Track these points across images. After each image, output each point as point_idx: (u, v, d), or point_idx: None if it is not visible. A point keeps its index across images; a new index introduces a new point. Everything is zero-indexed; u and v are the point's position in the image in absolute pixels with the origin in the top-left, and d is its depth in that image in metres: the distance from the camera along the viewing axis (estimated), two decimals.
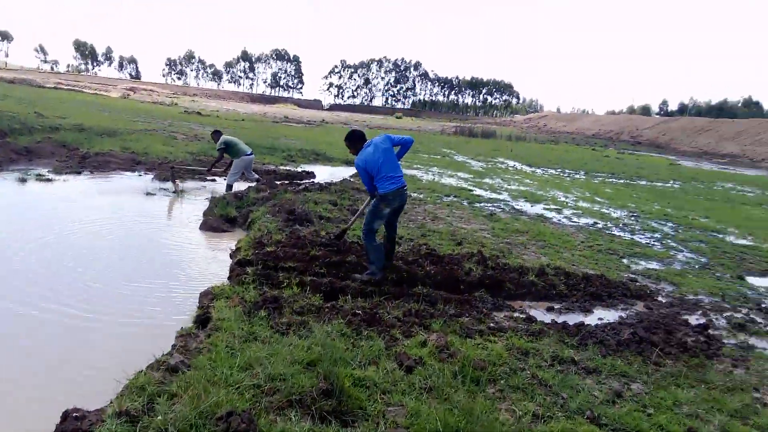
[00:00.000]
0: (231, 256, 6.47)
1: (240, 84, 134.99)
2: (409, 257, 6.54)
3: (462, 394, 3.56)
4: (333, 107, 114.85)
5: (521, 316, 5.28)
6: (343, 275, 5.79)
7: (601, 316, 5.61)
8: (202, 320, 4.49)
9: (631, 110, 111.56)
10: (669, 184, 20.75)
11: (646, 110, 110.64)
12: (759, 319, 5.93)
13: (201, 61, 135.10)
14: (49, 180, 9.94)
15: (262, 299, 4.71)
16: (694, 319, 5.70)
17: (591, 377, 4.07)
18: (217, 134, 10.81)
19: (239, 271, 5.60)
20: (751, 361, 4.72)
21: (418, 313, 4.90)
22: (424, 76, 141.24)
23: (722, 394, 3.98)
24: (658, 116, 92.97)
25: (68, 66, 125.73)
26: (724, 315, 5.97)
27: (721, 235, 10.91)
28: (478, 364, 3.90)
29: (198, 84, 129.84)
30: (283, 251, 6.09)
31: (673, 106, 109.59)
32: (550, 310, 5.69)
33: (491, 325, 4.87)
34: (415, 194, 11.97)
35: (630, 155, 38.86)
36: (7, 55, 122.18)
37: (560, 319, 5.34)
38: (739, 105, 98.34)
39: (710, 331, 5.30)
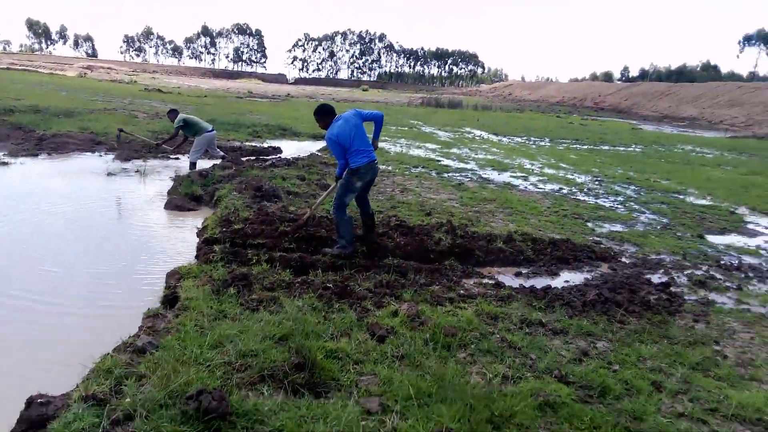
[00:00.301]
0: (198, 235, 6.38)
1: (201, 60, 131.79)
2: (379, 229, 6.54)
3: (433, 360, 3.62)
4: (298, 81, 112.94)
5: (490, 282, 5.36)
6: (313, 250, 5.77)
7: (568, 278, 5.74)
8: (170, 301, 4.43)
9: (594, 77, 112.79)
10: (631, 149, 21.16)
11: (608, 77, 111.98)
12: (718, 276, 6.15)
13: (160, 38, 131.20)
14: (4, 163, 9.57)
15: (231, 277, 4.66)
16: (656, 278, 5.87)
17: (558, 338, 4.17)
18: (173, 113, 10.55)
19: (206, 249, 5.52)
20: (711, 316, 4.91)
21: (389, 284, 4.92)
22: (389, 47, 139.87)
23: (684, 348, 4.13)
24: (620, 82, 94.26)
25: (21, 46, 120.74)
26: (685, 273, 6.17)
27: (681, 196, 11.21)
28: (449, 331, 3.96)
29: (158, 61, 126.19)
30: (251, 228, 6.03)
31: (634, 72, 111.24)
32: (518, 275, 5.79)
33: (461, 292, 4.94)
34: (384, 166, 11.93)
35: (593, 121, 39.39)
36: None
37: (528, 284, 5.44)
38: (698, 69, 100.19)
39: (672, 289, 5.48)
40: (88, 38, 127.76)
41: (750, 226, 8.98)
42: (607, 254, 6.56)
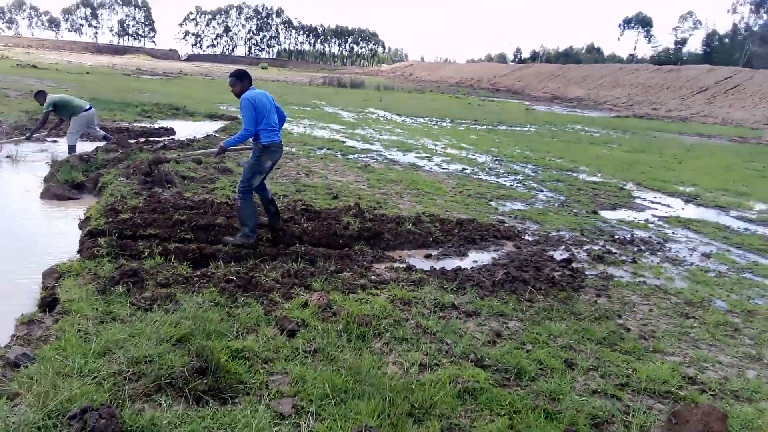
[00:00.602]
0: (80, 227, 5.74)
1: (82, 33, 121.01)
2: (284, 215, 6.23)
3: (348, 352, 3.45)
4: (191, 57, 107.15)
5: (401, 266, 5.27)
6: (213, 239, 5.38)
7: (476, 259, 5.78)
8: (48, 304, 3.91)
9: (489, 59, 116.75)
10: (527, 128, 22.08)
11: (502, 58, 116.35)
12: (614, 250, 6.48)
13: (33, 8, 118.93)
14: None
15: (119, 273, 4.20)
16: (558, 255, 6.08)
17: (472, 320, 4.15)
18: (41, 95, 9.44)
19: (90, 243, 4.96)
20: (612, 290, 5.13)
21: (297, 273, 4.67)
22: (288, 24, 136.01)
23: (590, 323, 4.26)
24: (513, 63, 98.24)
25: None
26: (584, 248, 6.44)
27: (575, 174, 11.80)
28: (363, 320, 3.80)
29: (32, 34, 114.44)
30: (141, 218, 5.50)
31: (526, 54, 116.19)
32: (428, 257, 5.75)
33: (373, 278, 4.80)
34: (287, 148, 11.50)
35: (490, 102, 40.78)
36: None
37: (438, 266, 5.41)
38: (583, 51, 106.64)
39: (574, 265, 5.68)
40: None
41: (638, 201, 9.60)
42: (511, 233, 6.70)
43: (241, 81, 5.27)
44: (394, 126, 18.93)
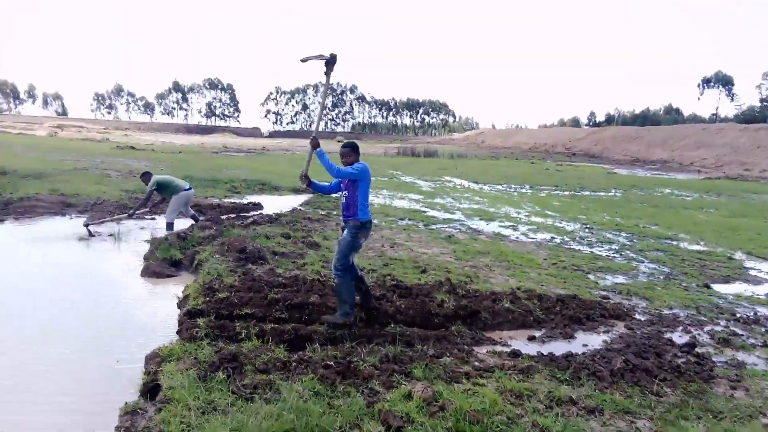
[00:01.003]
0: (179, 306, 5.81)
1: (174, 115, 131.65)
2: (375, 291, 6.06)
3: None
4: (273, 134, 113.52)
5: (505, 350, 4.91)
6: (307, 319, 5.26)
7: (585, 341, 5.32)
8: (150, 390, 3.86)
9: (562, 123, 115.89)
10: (612, 193, 21.23)
11: (576, 122, 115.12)
12: (739, 331, 5.80)
13: (131, 94, 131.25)
14: None
15: (219, 358, 4.12)
16: (677, 337, 5.49)
17: (594, 418, 3.70)
18: (147, 176, 10.02)
19: (189, 323, 4.97)
20: (747, 381, 4.51)
21: (396, 358, 4.42)
22: (361, 99, 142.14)
23: (732, 423, 3.70)
24: (587, 127, 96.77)
25: None
26: (705, 329, 5.80)
27: (674, 242, 11.02)
28: (473, 417, 3.47)
29: (129, 117, 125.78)
30: (237, 297, 5.49)
31: (600, 117, 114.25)
32: (531, 339, 5.35)
33: (476, 364, 4.46)
34: None
35: (568, 166, 39.96)
36: None
37: (544, 350, 5.00)
38: (661, 112, 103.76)
39: (698, 350, 5.08)
40: (57, 97, 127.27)
41: (752, 273, 8.74)
42: (619, 311, 6.17)
43: (355, 153, 5.32)
44: (472, 194, 18.75)
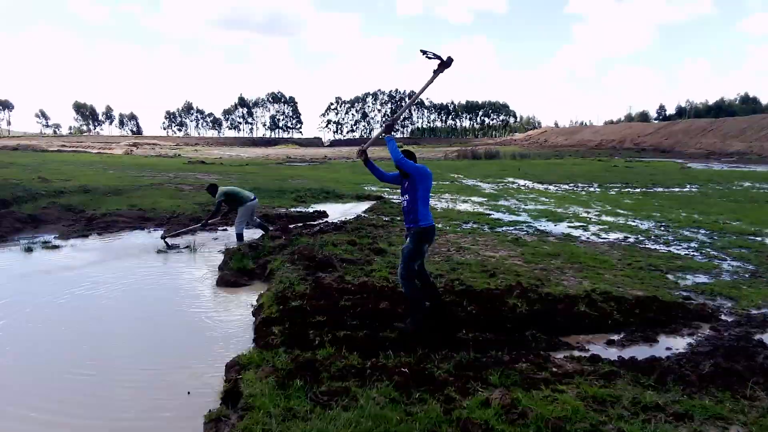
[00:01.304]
0: (254, 314, 5.99)
1: (240, 129, 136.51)
2: (445, 297, 6.02)
3: None
4: (334, 143, 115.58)
5: (584, 355, 4.75)
6: (379, 325, 5.29)
7: (669, 345, 5.07)
8: (231, 397, 3.98)
9: (630, 118, 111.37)
10: (687, 189, 20.22)
11: (644, 116, 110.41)
12: None
13: (200, 111, 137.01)
14: (55, 247, 9.54)
15: (296, 365, 4.20)
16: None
17: (684, 425, 3.51)
18: (213, 188, 10.40)
19: (265, 331, 5.11)
20: None
21: (470, 365, 4.37)
22: (420, 104, 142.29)
23: None
24: (657, 122, 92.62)
25: (70, 128, 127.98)
26: None
27: (759, 239, 10.34)
28: (555, 425, 3.37)
29: (198, 133, 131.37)
30: (309, 305, 5.61)
31: (670, 110, 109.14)
32: (610, 343, 5.15)
33: (554, 370, 4.34)
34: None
35: (638, 162, 38.39)
36: (9, 123, 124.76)
37: (625, 354, 4.80)
38: (737, 102, 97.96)
39: None
40: (132, 117, 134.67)
41: None
42: (704, 312, 5.84)
43: (411, 157, 5.39)
44: (538, 195, 18.34)
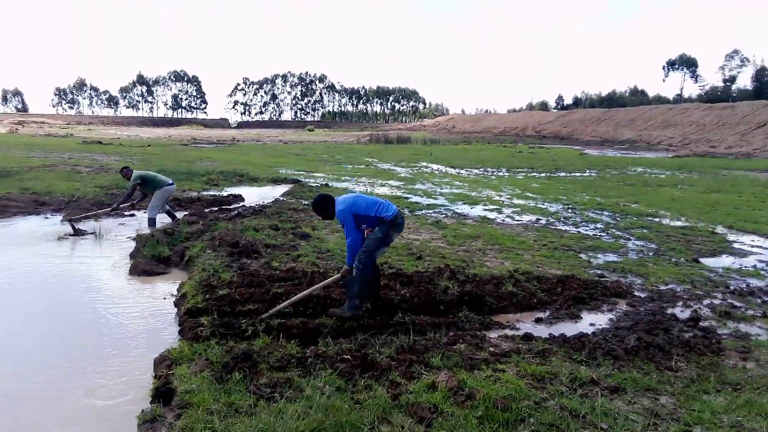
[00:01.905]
0: (176, 305, 5.62)
1: (139, 109, 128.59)
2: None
3: None
4: (241, 125, 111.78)
5: (517, 333, 4.89)
6: (313, 311, 5.15)
7: (592, 321, 5.33)
8: (163, 394, 3.69)
9: (531, 107, 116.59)
10: (587, 174, 21.51)
11: (544, 106, 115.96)
12: (737, 303, 5.90)
13: (94, 88, 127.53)
14: None
15: (232, 358, 3.98)
16: (679, 312, 5.56)
17: (618, 398, 3.70)
18: (127, 170, 9.68)
19: (192, 323, 4.80)
20: (755, 352, 4.58)
21: (411, 348, 4.35)
22: (331, 88, 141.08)
23: (752, 395, 3.74)
24: (556, 110, 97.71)
25: None
26: (704, 303, 5.89)
27: (657, 219, 11.19)
28: (503, 404, 3.42)
29: (93, 112, 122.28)
30: (238, 293, 5.34)
31: (568, 100, 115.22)
32: (538, 321, 5.34)
33: (491, 349, 4.42)
34: None
35: (540, 149, 40.35)
36: None
37: (554, 331, 5.00)
38: (627, 94, 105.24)
39: (702, 323, 5.15)
40: (17, 93, 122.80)
41: (736, 246, 8.92)
42: (619, 289, 6.21)
43: (325, 209, 5.14)
44: (451, 179, 18.76)
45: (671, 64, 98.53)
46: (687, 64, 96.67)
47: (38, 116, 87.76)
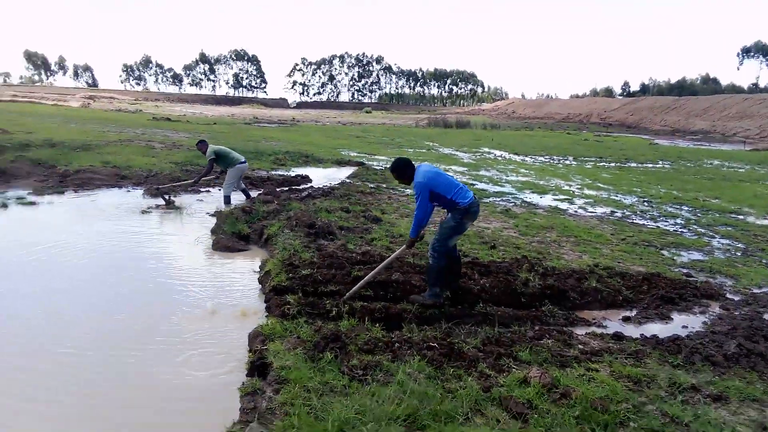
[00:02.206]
0: (260, 281, 5.76)
1: (201, 86, 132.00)
2: None
3: None
4: (300, 105, 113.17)
5: (606, 332, 4.74)
6: (393, 296, 5.16)
7: (684, 323, 5.11)
8: (258, 368, 3.80)
9: (595, 93, 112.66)
10: (660, 165, 20.61)
11: (609, 92, 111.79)
12: None
13: (159, 65, 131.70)
14: (32, 203, 8.99)
15: (322, 337, 4.04)
16: None
17: (722, 407, 3.53)
18: (203, 144, 9.95)
19: (278, 300, 4.91)
20: None
21: (498, 341, 4.29)
22: (388, 69, 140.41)
23: None
24: (621, 97, 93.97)
25: (21, 77, 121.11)
26: None
27: (741, 217, 10.62)
28: (601, 405, 3.33)
29: (158, 89, 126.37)
30: (320, 273, 5.41)
31: (635, 87, 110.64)
32: (626, 320, 5.16)
33: (581, 347, 4.31)
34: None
35: (607, 137, 38.93)
36: None
37: (644, 332, 4.82)
38: (698, 82, 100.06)
39: None
40: (87, 68, 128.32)
41: None
42: (711, 291, 5.92)
43: (405, 174, 5.07)
44: (516, 166, 18.38)
45: (746, 52, 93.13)
46: (764, 51, 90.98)
47: (107, 91, 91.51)
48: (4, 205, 8.65)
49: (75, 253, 6.56)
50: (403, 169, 5.08)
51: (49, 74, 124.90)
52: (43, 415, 3.44)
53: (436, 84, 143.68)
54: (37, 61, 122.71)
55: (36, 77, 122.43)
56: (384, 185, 12.37)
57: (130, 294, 5.43)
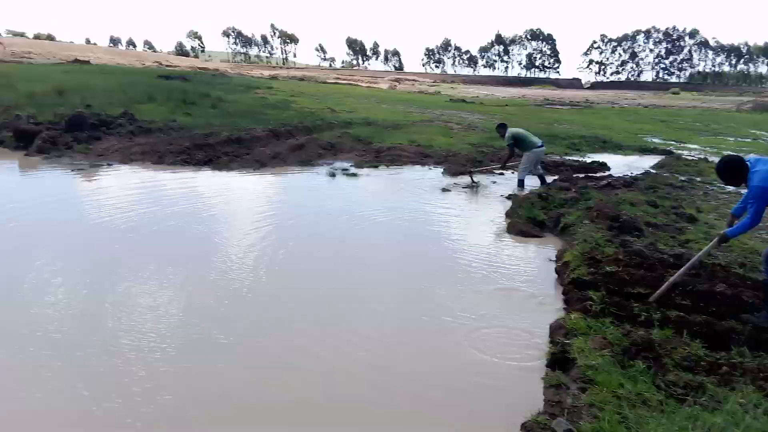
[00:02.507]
0: (556, 271, 5.66)
1: (494, 68, 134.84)
2: None
3: None
4: (594, 85, 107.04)
5: None
6: (716, 311, 4.51)
7: None
8: (558, 361, 3.75)
9: None
10: None
11: None
12: None
13: (457, 48, 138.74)
14: (354, 175, 10.46)
15: (632, 343, 3.76)
16: None
17: None
18: (502, 127, 10.12)
19: (578, 294, 4.74)
20: None
21: None
22: (703, 44, 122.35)
23: None
24: None
25: (342, 62, 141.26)
26: None
27: None
28: None
29: (454, 71, 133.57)
30: (626, 273, 5.04)
31: None
32: None
33: None
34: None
35: None
36: (294, 56, 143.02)
37: None
38: None
39: None
40: (395, 53, 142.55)
41: None
42: None
43: (733, 177, 4.31)
44: None
45: None
46: None
47: (410, 74, 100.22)
48: (333, 175, 10.23)
49: (402, 216, 7.55)
50: (734, 170, 4.32)
51: (364, 59, 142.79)
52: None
53: (765, 61, 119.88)
54: (356, 47, 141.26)
55: (354, 62, 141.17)
56: (698, 179, 10.89)
57: (426, 263, 5.90)
